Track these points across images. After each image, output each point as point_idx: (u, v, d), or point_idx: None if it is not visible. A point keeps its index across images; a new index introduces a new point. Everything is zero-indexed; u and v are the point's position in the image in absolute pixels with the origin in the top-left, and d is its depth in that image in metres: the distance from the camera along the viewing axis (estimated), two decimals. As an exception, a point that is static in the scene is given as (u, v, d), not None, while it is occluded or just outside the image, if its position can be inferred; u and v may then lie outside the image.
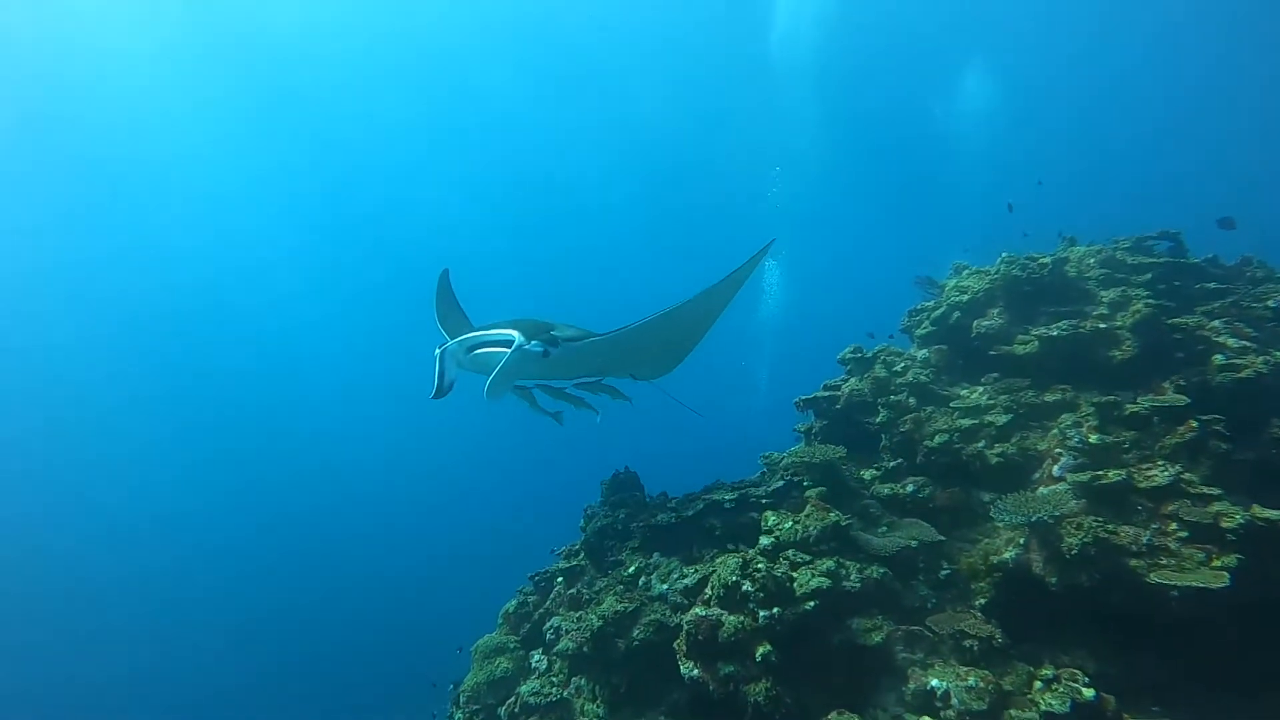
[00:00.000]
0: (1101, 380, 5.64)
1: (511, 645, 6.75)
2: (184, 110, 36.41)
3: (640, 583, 5.96)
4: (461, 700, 6.57)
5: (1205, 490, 4.52)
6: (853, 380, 6.99)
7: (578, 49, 36.45)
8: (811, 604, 4.80)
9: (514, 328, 5.41)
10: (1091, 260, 6.64)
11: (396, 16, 34.93)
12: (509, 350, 5.31)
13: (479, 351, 5.50)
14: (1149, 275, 6.31)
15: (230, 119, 38.18)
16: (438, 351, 5.30)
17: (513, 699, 6.13)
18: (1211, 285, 6.41)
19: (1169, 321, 5.70)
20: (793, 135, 32.62)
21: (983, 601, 4.96)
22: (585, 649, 5.58)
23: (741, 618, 4.84)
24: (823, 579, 4.90)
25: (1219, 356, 5.47)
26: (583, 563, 6.83)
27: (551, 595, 6.96)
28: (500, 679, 6.46)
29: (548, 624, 6.47)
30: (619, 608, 5.58)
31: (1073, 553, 4.30)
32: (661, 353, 6.48)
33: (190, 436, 40.92)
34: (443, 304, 7.43)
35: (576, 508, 7.39)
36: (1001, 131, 32.54)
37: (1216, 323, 5.83)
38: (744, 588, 4.93)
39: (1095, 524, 4.33)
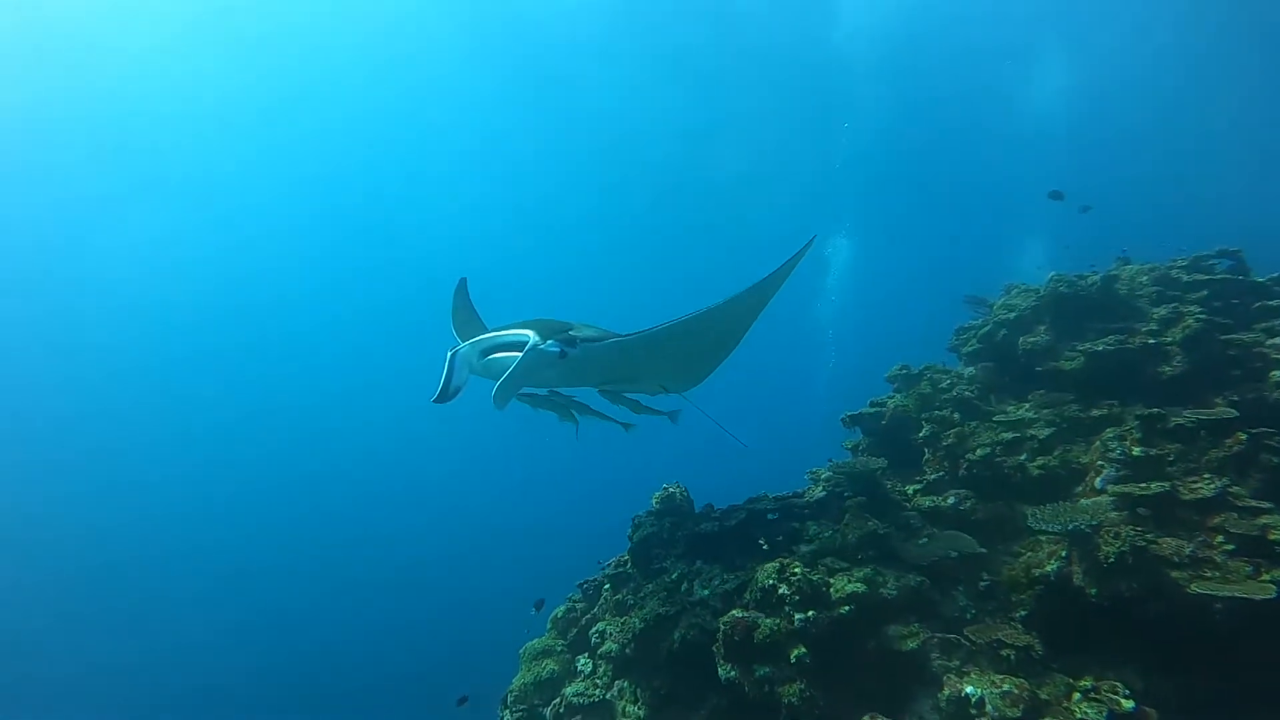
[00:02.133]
0: (1151, 396, 5.58)
1: (559, 648, 6.96)
2: (194, 108, 37.08)
3: (683, 588, 6.10)
4: (509, 700, 6.80)
5: (1254, 504, 4.45)
6: (898, 397, 7.05)
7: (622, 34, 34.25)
8: (847, 609, 4.89)
9: (529, 328, 5.03)
10: (1144, 278, 6.58)
11: (405, 12, 34.15)
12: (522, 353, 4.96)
13: (493, 356, 5.10)
14: (1204, 292, 6.24)
15: (240, 119, 38.80)
16: (449, 354, 5.01)
17: (558, 699, 6.32)
18: (1274, 303, 6.27)
19: (1223, 338, 5.61)
20: (857, 133, 31.77)
21: (1023, 613, 4.93)
22: (628, 650, 5.76)
23: (777, 620, 4.95)
24: (859, 585, 4.98)
25: (1277, 373, 5.37)
26: (629, 570, 7.02)
27: (599, 602, 7.17)
28: (547, 680, 6.66)
29: (594, 628, 6.67)
30: (661, 611, 5.73)
31: (1110, 561, 4.28)
32: (692, 360, 5.97)
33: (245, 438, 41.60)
34: (460, 315, 7.05)
35: (624, 519, 7.57)
36: (1088, 131, 30.68)
37: (1278, 339, 5.72)
38: (780, 591, 5.05)
39: (1133, 533, 4.30)
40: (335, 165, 44.12)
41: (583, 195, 44.97)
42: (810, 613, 4.89)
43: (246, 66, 36.70)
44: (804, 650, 4.77)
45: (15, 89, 32.66)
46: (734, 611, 5.18)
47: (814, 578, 5.08)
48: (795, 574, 5.08)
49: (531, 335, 4.94)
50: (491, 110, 39.98)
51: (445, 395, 4.85)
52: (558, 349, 4.95)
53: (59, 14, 30.74)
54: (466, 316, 7.11)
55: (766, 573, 5.22)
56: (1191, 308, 5.96)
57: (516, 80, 36.72)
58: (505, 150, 43.15)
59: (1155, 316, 6.00)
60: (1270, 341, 5.70)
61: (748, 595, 5.30)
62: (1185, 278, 6.51)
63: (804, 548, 5.57)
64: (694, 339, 5.50)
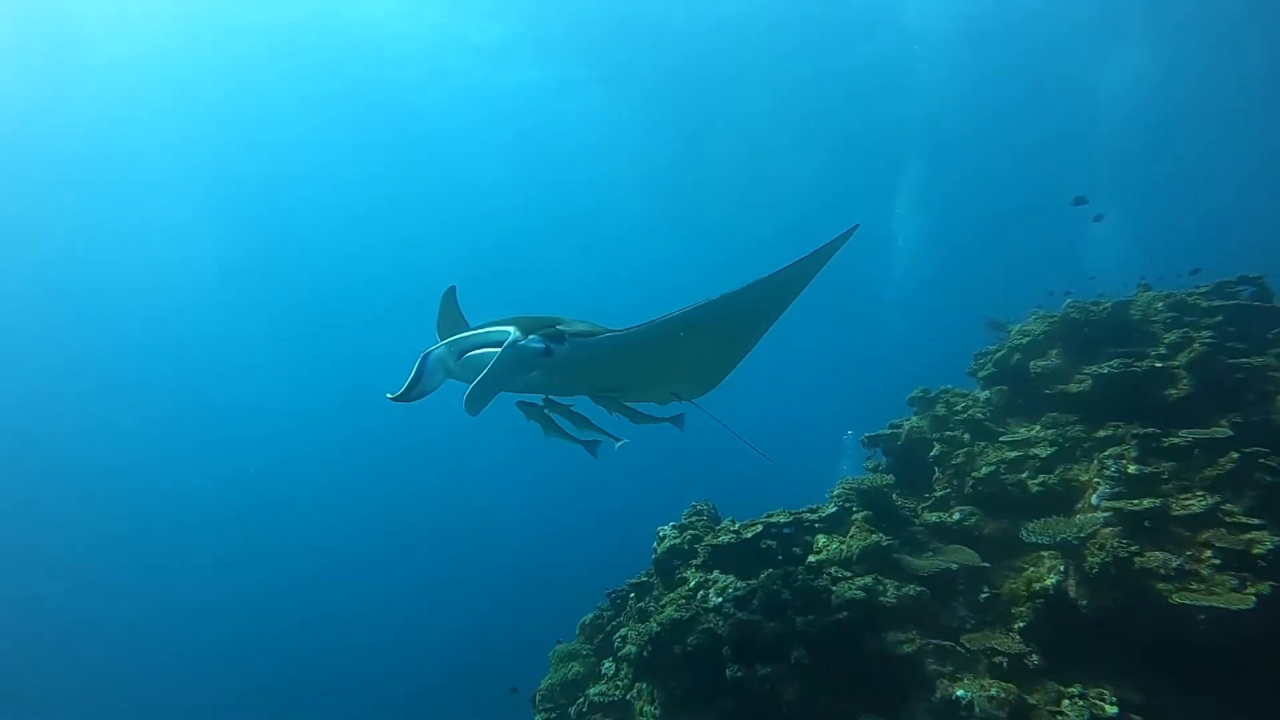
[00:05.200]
0: (1157, 418, 5.65)
1: (585, 652, 7.33)
2: (179, 110, 34.52)
3: (699, 596, 6.43)
4: (537, 700, 7.20)
5: (1244, 519, 4.56)
6: (914, 418, 7.27)
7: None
8: (845, 614, 5.16)
9: (513, 324, 4.42)
10: (1159, 304, 6.68)
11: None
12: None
13: (471, 354, 4.50)
14: (1219, 318, 6.30)
15: (229, 117, 35.89)
16: (421, 355, 4.47)
17: (581, 699, 6.69)
18: (1294, 329, 6.30)
19: (1231, 361, 5.70)
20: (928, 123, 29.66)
21: (1021, 625, 5.10)
22: (645, 653, 6.09)
23: (780, 623, 5.25)
24: (859, 592, 5.25)
25: (1285, 396, 5.44)
26: (653, 579, 7.37)
27: (624, 610, 7.53)
28: (572, 681, 7.03)
29: (618, 634, 7.02)
30: (676, 616, 6.06)
31: (1094, 572, 4.46)
32: (701, 361, 5.16)
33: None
34: (447, 329, 6.04)
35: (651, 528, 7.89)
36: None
37: (1292, 363, 5.77)
38: (783, 596, 5.36)
39: (1117, 545, 4.47)
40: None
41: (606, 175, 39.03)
42: (811, 616, 5.18)
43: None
44: (803, 652, 5.06)
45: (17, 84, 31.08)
46: (739, 614, 5.50)
47: (816, 584, 5.36)
48: (798, 580, 5.38)
49: (512, 331, 4.37)
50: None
51: (407, 396, 4.36)
52: (542, 345, 4.35)
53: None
54: (454, 327, 6.01)
55: (773, 579, 5.54)
56: (1203, 333, 6.04)
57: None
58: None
59: (1166, 341, 6.11)
60: (1285, 366, 5.76)
61: (755, 600, 5.60)
62: (1203, 304, 6.57)
63: (811, 558, 5.84)
64: (705, 334, 4.70)
